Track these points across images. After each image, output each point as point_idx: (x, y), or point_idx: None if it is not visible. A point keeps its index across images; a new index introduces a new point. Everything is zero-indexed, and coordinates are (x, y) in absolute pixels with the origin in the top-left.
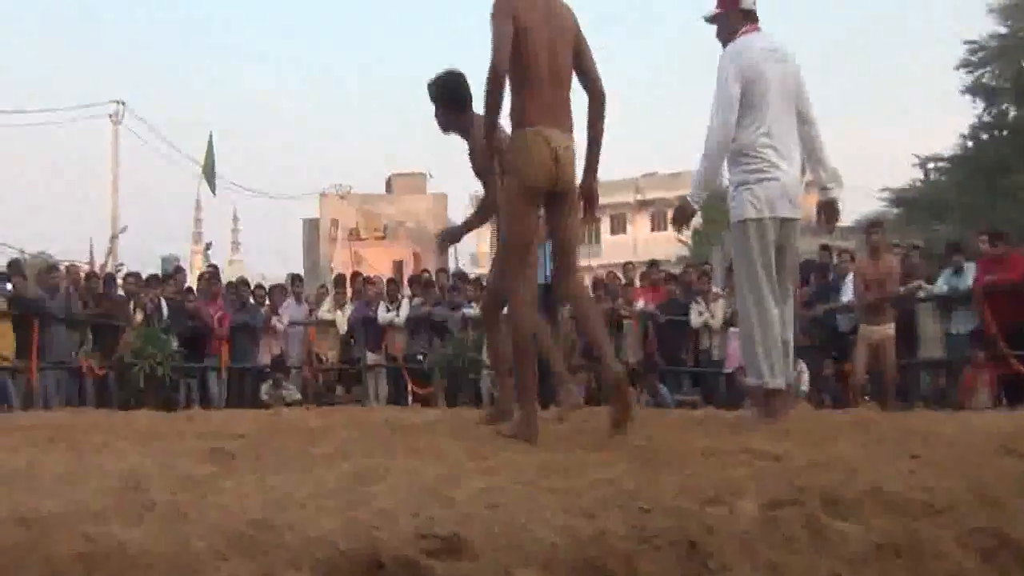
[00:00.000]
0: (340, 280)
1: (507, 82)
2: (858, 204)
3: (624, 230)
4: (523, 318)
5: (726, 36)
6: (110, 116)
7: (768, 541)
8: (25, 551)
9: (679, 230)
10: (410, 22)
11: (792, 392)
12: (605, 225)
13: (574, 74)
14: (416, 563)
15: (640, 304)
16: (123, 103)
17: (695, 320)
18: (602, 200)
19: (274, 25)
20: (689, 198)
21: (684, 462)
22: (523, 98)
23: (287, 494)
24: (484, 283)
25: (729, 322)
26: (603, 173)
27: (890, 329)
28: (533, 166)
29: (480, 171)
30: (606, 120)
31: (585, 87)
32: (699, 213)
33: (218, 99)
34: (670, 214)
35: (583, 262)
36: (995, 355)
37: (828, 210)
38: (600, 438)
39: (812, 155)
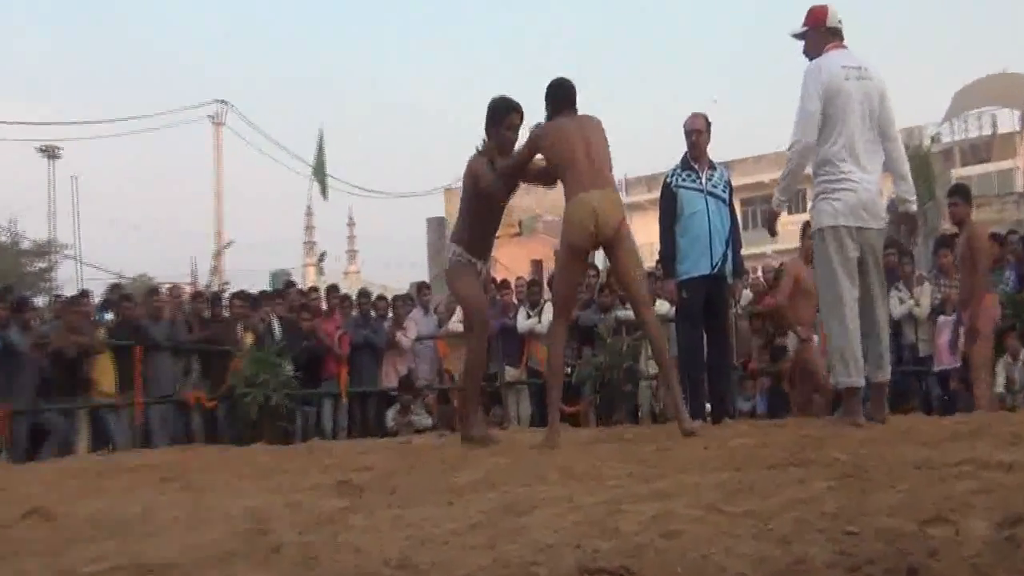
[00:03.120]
0: None
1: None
2: None
3: (802, 208)
4: (555, 349)
5: (813, 53)
6: (210, 117)
7: (1005, 566)
8: None
9: (773, 232)
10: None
11: (884, 389)
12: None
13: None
14: None
15: None
16: (226, 102)
17: (896, 310)
18: (775, 175)
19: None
20: (774, 205)
21: (895, 477)
22: (566, 179)
23: (427, 530)
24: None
25: (939, 309)
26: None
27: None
28: (574, 226)
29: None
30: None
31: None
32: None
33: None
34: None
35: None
36: None
37: (909, 222)
38: (793, 452)
39: (894, 170)
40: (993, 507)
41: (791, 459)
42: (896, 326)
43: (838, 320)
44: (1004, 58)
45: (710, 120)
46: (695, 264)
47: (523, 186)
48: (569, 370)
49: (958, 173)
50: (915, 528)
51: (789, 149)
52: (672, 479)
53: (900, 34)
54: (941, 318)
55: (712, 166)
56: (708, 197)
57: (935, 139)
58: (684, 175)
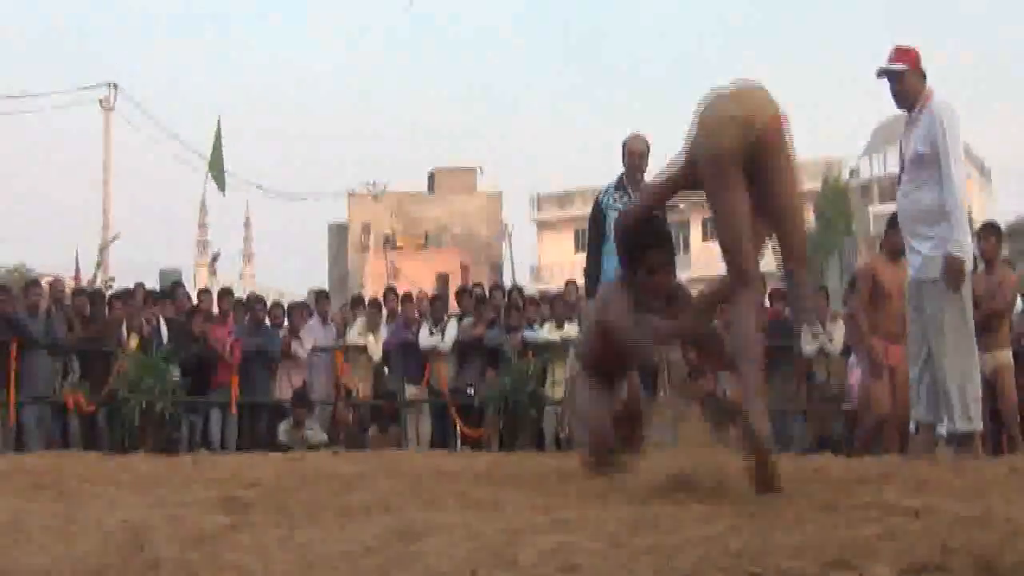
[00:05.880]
0: (372, 297)
1: None
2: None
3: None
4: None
5: (910, 94)
6: (100, 101)
7: None
8: None
9: (956, 289)
10: None
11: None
12: (695, 231)
13: None
14: None
15: None
16: (116, 86)
17: (807, 347)
18: (692, 199)
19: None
20: (957, 252)
21: (802, 517)
22: None
23: (316, 551)
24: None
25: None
26: None
27: (1006, 355)
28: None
29: None
30: None
31: None
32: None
33: (225, 80)
34: None
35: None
36: None
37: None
38: (699, 489)
39: None
40: (899, 553)
41: (696, 496)
42: (808, 364)
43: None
44: None
45: (650, 144)
46: None
47: (432, 196)
48: (471, 392)
49: (876, 209)
50: (817, 571)
51: (954, 193)
52: (574, 510)
53: (821, 64)
54: (853, 358)
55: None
56: None
57: (853, 173)
58: (616, 195)
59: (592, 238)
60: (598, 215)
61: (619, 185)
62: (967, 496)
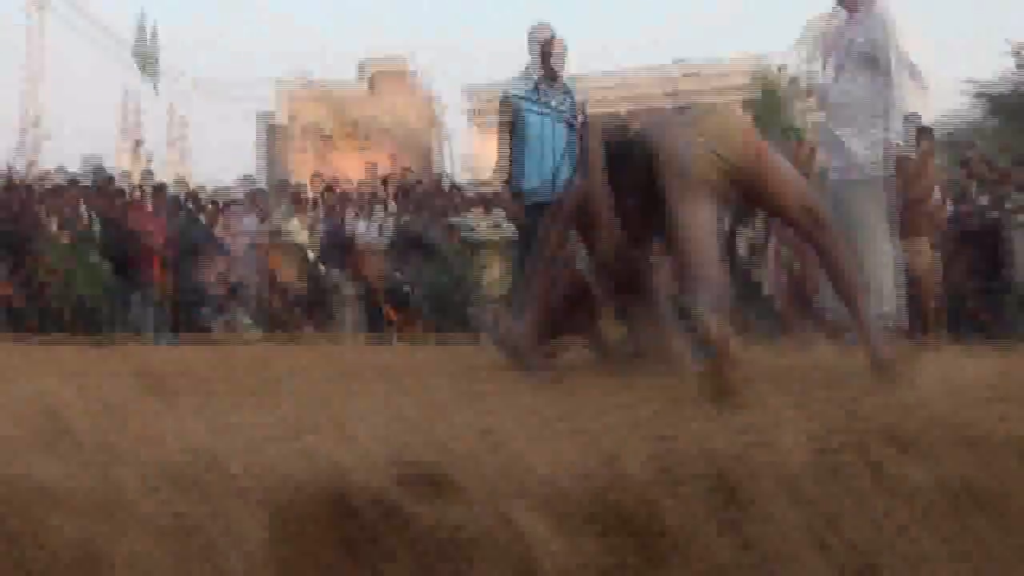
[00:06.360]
0: (302, 188)
1: None
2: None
3: None
4: None
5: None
6: None
7: (818, 481)
8: None
9: (885, 187)
10: None
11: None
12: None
13: None
14: (390, 502)
15: None
16: None
17: None
18: (624, 94)
19: None
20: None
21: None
22: None
23: (236, 425)
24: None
25: None
26: (625, 61)
27: (924, 243)
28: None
29: None
30: None
31: None
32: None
33: None
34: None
35: None
36: None
37: None
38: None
39: None
40: (811, 426)
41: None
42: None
43: None
44: None
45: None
46: (535, 189)
47: (366, 90)
48: (405, 282)
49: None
50: (733, 444)
51: (900, 99)
52: (499, 391)
53: None
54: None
55: (562, 87)
56: (555, 120)
57: (782, 70)
58: (532, 94)
59: (507, 140)
60: (512, 115)
61: (534, 83)
62: (876, 376)
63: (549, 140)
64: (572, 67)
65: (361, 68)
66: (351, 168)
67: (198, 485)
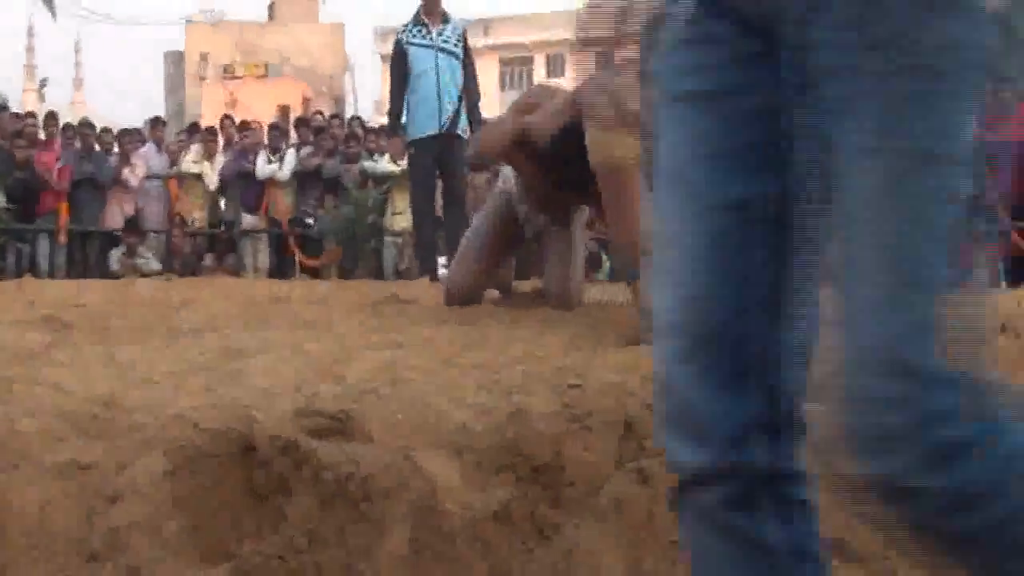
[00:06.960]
0: (208, 125)
1: None
2: None
3: (562, 73)
4: None
5: None
6: None
7: None
8: None
9: None
10: None
11: None
12: (539, 66)
13: None
14: (295, 445)
15: None
16: None
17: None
18: (535, 37)
19: None
20: None
21: (628, 337)
22: None
23: (139, 369)
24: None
25: None
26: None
27: None
28: None
29: None
30: None
31: None
32: None
33: None
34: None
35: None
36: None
37: None
38: (533, 315)
39: None
40: None
41: (528, 320)
42: None
43: None
44: None
45: None
46: (423, 125)
47: (273, 25)
48: (312, 221)
49: None
50: (638, 384)
51: None
52: (406, 331)
53: None
54: None
55: (445, 20)
56: (439, 53)
57: None
58: (415, 31)
59: (394, 76)
60: (400, 53)
61: (416, 20)
62: None
63: (433, 71)
64: (483, 8)
65: (269, 4)
66: (257, 102)
67: (102, 431)
